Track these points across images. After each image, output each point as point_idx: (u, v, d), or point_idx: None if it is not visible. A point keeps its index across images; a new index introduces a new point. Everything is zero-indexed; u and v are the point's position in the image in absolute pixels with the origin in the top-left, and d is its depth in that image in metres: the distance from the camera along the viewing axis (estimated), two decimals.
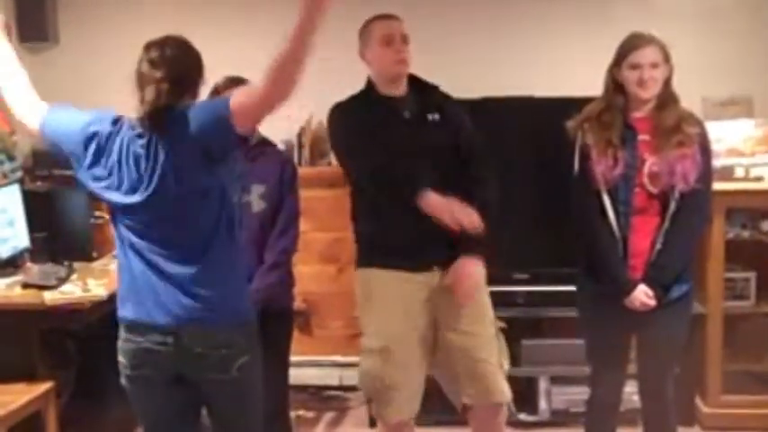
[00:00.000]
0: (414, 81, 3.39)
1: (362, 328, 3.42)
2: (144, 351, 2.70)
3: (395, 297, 3.32)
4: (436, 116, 3.33)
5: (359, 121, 3.29)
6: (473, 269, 3.21)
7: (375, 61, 3.35)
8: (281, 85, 2.53)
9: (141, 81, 2.67)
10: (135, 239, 2.71)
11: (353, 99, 3.41)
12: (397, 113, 3.32)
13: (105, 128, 2.73)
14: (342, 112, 3.39)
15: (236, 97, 2.60)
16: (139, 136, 2.66)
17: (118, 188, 2.69)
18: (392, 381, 3.32)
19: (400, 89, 3.35)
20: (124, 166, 2.68)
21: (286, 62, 2.52)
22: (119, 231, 2.77)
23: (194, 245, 2.67)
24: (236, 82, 3.46)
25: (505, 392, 3.37)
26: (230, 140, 2.62)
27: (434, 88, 3.41)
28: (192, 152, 2.60)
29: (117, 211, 2.74)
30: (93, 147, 2.72)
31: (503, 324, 3.42)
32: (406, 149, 3.23)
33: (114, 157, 2.69)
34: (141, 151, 2.65)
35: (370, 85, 3.40)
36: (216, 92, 3.46)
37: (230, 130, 2.57)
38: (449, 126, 3.33)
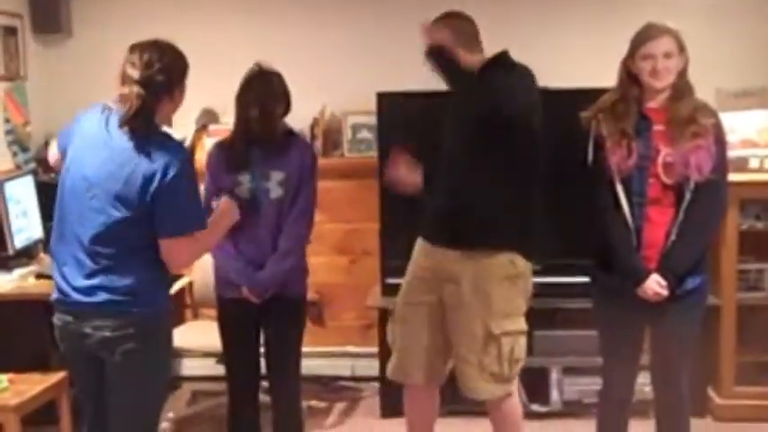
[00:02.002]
0: (489, 64, 3.33)
1: None
2: (60, 327, 2.95)
3: (413, 262, 3.49)
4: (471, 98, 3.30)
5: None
6: None
7: None
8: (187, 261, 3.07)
9: (123, 80, 2.87)
10: (66, 218, 2.92)
11: None
12: (455, 96, 3.39)
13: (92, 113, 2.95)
14: None
15: (181, 245, 2.86)
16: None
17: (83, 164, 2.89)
18: (393, 338, 3.53)
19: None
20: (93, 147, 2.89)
21: (201, 249, 3.05)
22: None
23: (106, 239, 2.83)
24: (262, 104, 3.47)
25: (479, 391, 3.37)
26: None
27: (484, 70, 3.31)
28: (135, 180, 2.78)
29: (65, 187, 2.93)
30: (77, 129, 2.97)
31: (513, 328, 3.35)
32: (445, 134, 3.36)
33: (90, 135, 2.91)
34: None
35: None
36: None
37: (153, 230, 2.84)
38: (472, 108, 3.26)
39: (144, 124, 2.82)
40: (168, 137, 2.92)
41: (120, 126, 2.82)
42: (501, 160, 3.21)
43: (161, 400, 3.10)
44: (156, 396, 3.03)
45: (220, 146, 3.62)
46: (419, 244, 3.48)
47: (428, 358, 3.46)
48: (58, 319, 2.94)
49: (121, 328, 2.83)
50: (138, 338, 2.85)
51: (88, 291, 2.85)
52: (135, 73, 2.82)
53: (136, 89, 2.80)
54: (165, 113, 2.95)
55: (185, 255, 2.92)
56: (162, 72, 2.84)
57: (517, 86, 3.22)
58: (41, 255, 4.34)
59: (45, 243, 4.41)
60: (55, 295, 2.95)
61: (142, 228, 2.82)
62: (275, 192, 3.48)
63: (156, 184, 2.77)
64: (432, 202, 3.40)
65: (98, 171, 2.82)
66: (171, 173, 2.78)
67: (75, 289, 2.86)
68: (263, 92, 3.46)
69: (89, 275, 2.84)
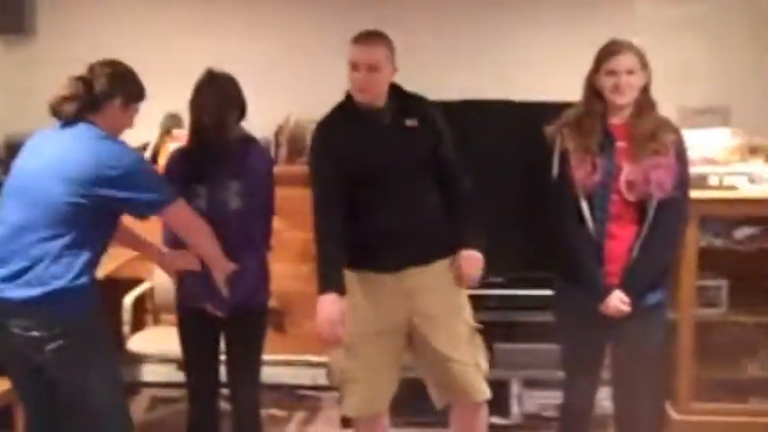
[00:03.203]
0: (395, 90, 3.34)
1: None
2: None
3: (356, 294, 3.33)
4: (415, 122, 3.30)
5: (327, 147, 3.33)
6: (479, 259, 3.34)
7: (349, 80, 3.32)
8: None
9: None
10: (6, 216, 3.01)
11: (332, 113, 3.39)
12: (374, 123, 3.29)
13: None
14: (316, 136, 3.42)
15: (180, 213, 3.14)
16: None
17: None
18: (354, 375, 3.39)
19: (380, 101, 3.30)
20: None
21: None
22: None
23: (52, 223, 2.91)
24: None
25: (483, 391, 3.41)
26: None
27: (415, 97, 3.37)
28: (79, 170, 2.90)
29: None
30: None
31: (478, 324, 3.42)
32: (382, 160, 3.27)
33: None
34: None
35: (349, 96, 3.35)
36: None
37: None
38: (427, 132, 3.32)
39: (73, 110, 2.96)
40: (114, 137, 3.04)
41: (52, 105, 2.97)
42: (435, 172, 3.35)
43: (110, 396, 3.06)
44: (104, 392, 3.02)
45: (178, 154, 3.55)
46: (361, 277, 3.34)
47: (393, 386, 3.44)
48: None
49: (48, 328, 2.88)
50: (67, 337, 2.90)
51: (17, 286, 2.89)
52: (84, 73, 3.02)
53: (80, 83, 2.99)
54: (113, 123, 3.05)
55: (183, 219, 3.16)
56: (108, 75, 3.02)
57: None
58: None
59: None
60: None
61: (86, 218, 2.90)
62: (234, 202, 3.42)
63: (98, 179, 2.89)
64: (377, 230, 3.30)
65: (45, 160, 2.94)
66: (114, 170, 2.91)
67: (5, 284, 2.91)
68: (214, 97, 3.37)
69: (22, 271, 2.89)
